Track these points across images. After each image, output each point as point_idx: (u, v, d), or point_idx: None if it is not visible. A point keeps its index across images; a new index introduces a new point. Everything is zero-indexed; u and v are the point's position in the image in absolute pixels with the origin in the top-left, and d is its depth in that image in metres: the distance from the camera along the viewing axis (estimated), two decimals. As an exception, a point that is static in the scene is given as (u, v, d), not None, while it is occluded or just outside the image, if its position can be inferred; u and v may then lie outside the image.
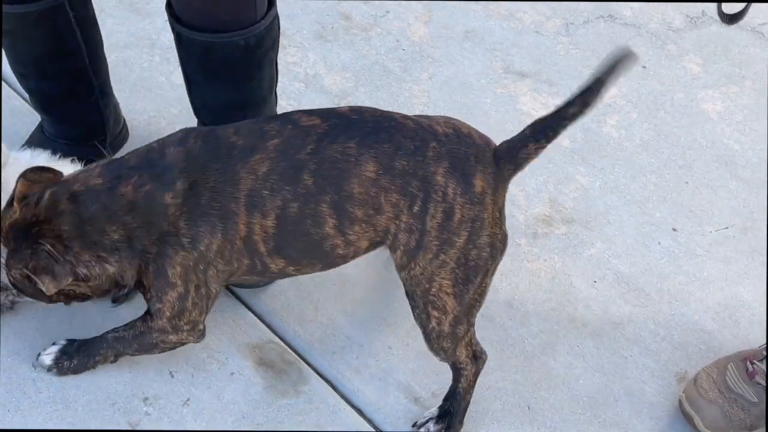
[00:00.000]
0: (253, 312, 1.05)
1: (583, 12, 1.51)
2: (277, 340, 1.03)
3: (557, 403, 1.01)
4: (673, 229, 1.22)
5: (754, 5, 0.92)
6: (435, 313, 0.79)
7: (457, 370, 0.88)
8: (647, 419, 1.01)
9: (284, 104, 1.22)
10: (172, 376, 0.96)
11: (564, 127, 0.74)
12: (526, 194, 1.23)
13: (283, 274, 0.88)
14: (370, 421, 0.98)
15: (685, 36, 1.51)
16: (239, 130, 0.77)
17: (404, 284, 0.82)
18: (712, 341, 1.09)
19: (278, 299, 1.06)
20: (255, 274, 0.85)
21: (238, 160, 0.75)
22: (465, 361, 0.86)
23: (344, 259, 0.83)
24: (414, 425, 0.92)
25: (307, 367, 1.01)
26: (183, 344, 0.88)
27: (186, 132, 0.80)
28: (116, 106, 1.14)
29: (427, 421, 0.91)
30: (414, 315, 0.83)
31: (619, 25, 1.50)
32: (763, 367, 0.91)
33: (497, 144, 0.78)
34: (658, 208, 1.25)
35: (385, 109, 0.83)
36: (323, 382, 1.00)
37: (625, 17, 1.52)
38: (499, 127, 1.28)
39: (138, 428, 0.91)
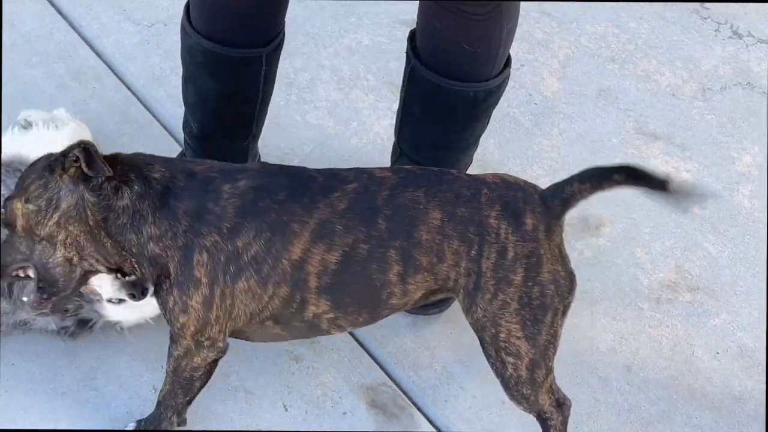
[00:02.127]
0: (370, 354, 1.08)
1: (721, 77, 1.50)
2: (391, 383, 1.05)
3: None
4: (802, 305, 1.20)
5: None
6: (510, 359, 0.78)
7: (543, 420, 0.87)
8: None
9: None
10: (286, 410, 0.98)
11: (609, 183, 0.75)
12: (651, 258, 1.24)
13: (307, 325, 0.80)
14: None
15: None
16: (319, 172, 0.79)
17: (475, 331, 0.81)
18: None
19: (395, 343, 1.09)
20: (283, 313, 0.77)
21: (318, 192, 0.75)
22: (549, 410, 0.85)
23: (391, 311, 0.82)
24: None
25: (418, 413, 1.02)
26: (210, 367, 0.83)
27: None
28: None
29: None
30: (490, 365, 0.82)
31: (757, 94, 1.48)
32: None
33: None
34: (787, 282, 1.23)
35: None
36: (434, 430, 1.02)
37: (763, 86, 1.49)
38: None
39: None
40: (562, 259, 0.79)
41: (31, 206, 0.71)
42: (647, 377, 1.11)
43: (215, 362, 0.83)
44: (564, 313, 0.81)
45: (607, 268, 1.22)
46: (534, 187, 0.81)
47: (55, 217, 0.71)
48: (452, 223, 0.75)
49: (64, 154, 0.70)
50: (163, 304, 0.78)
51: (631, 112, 1.44)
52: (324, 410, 1.00)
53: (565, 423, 0.88)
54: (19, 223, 0.72)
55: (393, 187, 0.76)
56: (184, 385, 0.83)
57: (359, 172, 0.79)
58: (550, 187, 0.80)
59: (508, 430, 1.02)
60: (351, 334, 1.07)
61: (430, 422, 1.03)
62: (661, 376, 1.11)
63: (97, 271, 0.77)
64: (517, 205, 0.77)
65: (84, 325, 0.96)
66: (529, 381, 0.81)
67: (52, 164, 0.71)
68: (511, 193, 0.78)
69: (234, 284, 0.74)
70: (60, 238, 0.72)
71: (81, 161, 0.68)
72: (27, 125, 1.04)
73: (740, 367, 1.14)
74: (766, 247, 1.27)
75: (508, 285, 0.76)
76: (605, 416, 0.97)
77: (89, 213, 0.72)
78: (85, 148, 0.68)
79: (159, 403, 0.87)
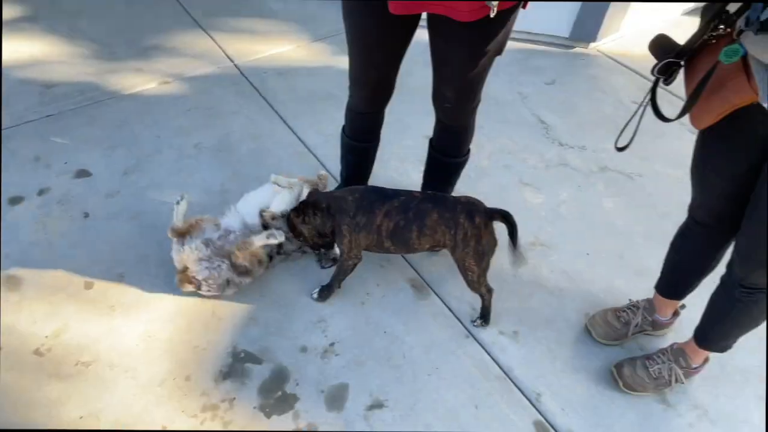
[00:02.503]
0: (412, 266, 1.90)
1: None
2: (420, 279, 1.94)
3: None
4: None
5: None
6: (469, 273, 1.65)
7: (482, 297, 1.74)
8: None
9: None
10: (377, 286, 1.88)
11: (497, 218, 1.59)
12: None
13: (383, 250, 1.68)
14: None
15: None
16: (389, 189, 1.66)
17: (455, 262, 1.65)
18: None
19: (424, 262, 1.98)
20: (373, 246, 1.67)
21: (387, 198, 1.63)
22: (484, 292, 1.71)
23: (416, 251, 1.69)
24: (472, 321, 1.79)
25: (434, 294, 1.89)
26: (354, 265, 1.75)
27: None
28: None
29: (476, 320, 1.78)
30: (462, 276, 1.67)
31: None
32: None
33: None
34: None
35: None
36: (441, 302, 1.88)
37: None
38: None
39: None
40: (491, 235, 1.60)
41: (303, 223, 1.73)
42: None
43: (356, 265, 1.76)
44: (490, 257, 1.64)
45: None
46: (481, 203, 1.61)
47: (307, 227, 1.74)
48: (442, 219, 1.58)
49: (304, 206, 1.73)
50: (338, 245, 1.73)
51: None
52: (391, 288, 1.90)
53: (490, 297, 1.74)
54: (299, 229, 1.75)
55: (418, 200, 1.61)
56: (343, 272, 1.78)
57: (407, 192, 1.64)
58: (488, 208, 1.61)
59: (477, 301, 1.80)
60: (403, 257, 1.99)
61: (437, 295, 1.89)
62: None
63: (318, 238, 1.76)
64: (473, 212, 1.57)
65: (331, 260, 1.93)
66: (477, 282, 1.68)
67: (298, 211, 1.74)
68: (471, 206, 1.59)
69: (358, 235, 1.66)
70: (308, 234, 1.75)
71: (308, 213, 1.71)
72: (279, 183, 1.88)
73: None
74: None
75: (467, 245, 1.60)
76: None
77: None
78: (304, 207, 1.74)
79: (332, 278, 1.81)
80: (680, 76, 1.20)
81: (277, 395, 1.57)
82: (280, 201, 1.86)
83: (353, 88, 1.74)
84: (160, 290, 1.80)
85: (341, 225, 1.64)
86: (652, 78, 1.18)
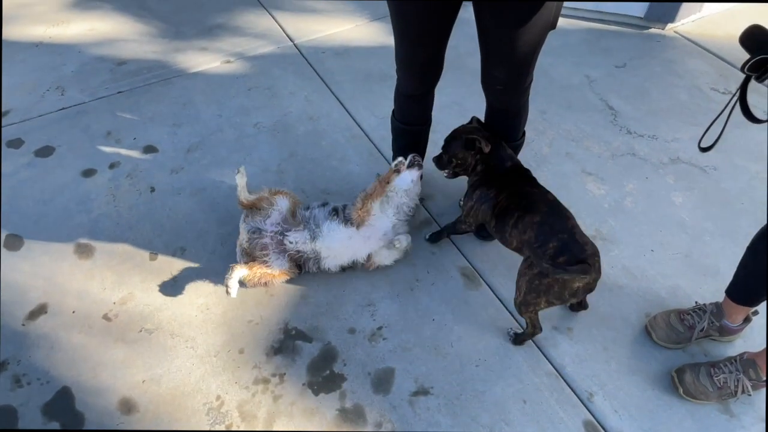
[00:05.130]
0: (462, 254, 1.87)
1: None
2: (471, 267, 1.91)
3: None
4: None
5: None
6: (515, 292, 1.57)
7: (526, 323, 1.62)
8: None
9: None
10: (423, 275, 1.83)
11: None
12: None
13: (485, 224, 1.71)
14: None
15: None
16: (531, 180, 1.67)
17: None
18: None
19: (477, 250, 1.91)
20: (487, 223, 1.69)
21: (521, 181, 1.67)
22: (527, 321, 1.60)
23: (504, 240, 1.63)
24: (507, 331, 1.71)
25: (484, 283, 1.86)
26: (468, 228, 1.80)
27: None
28: None
29: (510, 330, 1.70)
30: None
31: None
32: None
33: None
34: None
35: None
36: (488, 287, 1.83)
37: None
38: None
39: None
40: (562, 288, 1.48)
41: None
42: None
43: (466, 231, 1.84)
44: (545, 300, 1.51)
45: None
46: (592, 255, 1.45)
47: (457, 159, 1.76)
48: (539, 227, 1.51)
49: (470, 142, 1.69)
50: (463, 202, 1.79)
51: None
52: (441, 276, 1.88)
53: (532, 335, 1.66)
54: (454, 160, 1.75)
55: (539, 199, 1.60)
56: (454, 229, 1.85)
57: (542, 190, 1.64)
58: (590, 263, 1.45)
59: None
60: (454, 244, 1.95)
61: (488, 285, 1.80)
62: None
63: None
64: (566, 251, 1.45)
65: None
66: (517, 306, 1.58)
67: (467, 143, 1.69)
68: (573, 245, 1.46)
69: (481, 206, 1.68)
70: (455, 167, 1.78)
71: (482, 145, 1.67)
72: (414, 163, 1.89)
73: None
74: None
75: (531, 268, 1.52)
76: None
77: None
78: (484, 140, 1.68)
79: (444, 226, 1.91)
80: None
81: (325, 374, 1.60)
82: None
83: (401, 70, 1.71)
84: (217, 265, 1.86)
85: (475, 188, 1.70)
86: (737, 62, 1.07)
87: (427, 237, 1.94)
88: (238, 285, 1.65)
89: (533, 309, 1.53)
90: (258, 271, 1.70)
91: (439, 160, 1.80)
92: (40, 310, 1.74)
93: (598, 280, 1.45)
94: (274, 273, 1.73)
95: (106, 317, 1.73)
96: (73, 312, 1.74)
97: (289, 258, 1.75)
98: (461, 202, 1.86)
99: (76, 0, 3.35)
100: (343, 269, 1.82)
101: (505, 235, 1.60)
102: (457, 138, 1.71)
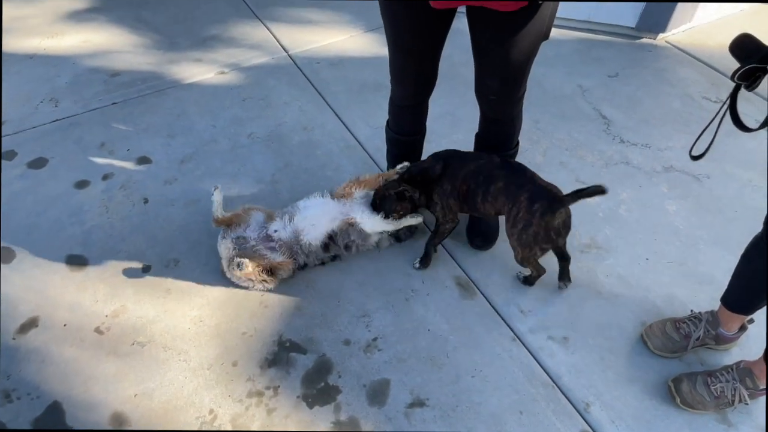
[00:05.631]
0: (456, 263, 1.90)
1: None
2: (466, 276, 1.89)
3: None
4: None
5: None
6: (514, 252, 1.71)
7: (527, 269, 1.78)
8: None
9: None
10: (423, 281, 1.76)
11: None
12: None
13: (462, 211, 1.78)
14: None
15: None
16: (472, 154, 1.75)
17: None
18: None
19: (472, 258, 1.89)
20: (462, 207, 1.75)
21: (466, 163, 1.71)
22: (531, 270, 1.77)
23: (482, 214, 1.75)
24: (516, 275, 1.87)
25: (480, 294, 1.84)
26: (450, 229, 1.83)
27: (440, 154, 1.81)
28: None
29: (519, 273, 1.86)
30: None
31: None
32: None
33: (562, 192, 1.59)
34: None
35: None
36: (485, 298, 1.78)
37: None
38: None
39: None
40: (545, 229, 1.59)
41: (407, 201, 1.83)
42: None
43: (453, 228, 1.84)
44: (538, 248, 1.67)
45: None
46: (556, 193, 1.59)
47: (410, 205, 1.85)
48: (507, 189, 1.62)
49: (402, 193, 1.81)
50: (433, 212, 1.82)
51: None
52: (436, 286, 1.87)
53: (536, 278, 1.83)
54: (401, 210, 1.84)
55: (493, 166, 1.68)
56: (440, 236, 1.84)
57: (487, 157, 1.72)
58: (558, 199, 1.58)
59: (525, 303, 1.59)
60: (449, 254, 1.97)
61: (483, 294, 1.81)
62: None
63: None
64: (536, 197, 1.57)
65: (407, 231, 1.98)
66: (520, 262, 1.73)
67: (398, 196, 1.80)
68: (539, 190, 1.59)
69: (448, 200, 1.75)
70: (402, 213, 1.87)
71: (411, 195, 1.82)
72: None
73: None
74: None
75: (515, 226, 1.63)
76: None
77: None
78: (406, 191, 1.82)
79: (427, 243, 1.88)
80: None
81: (320, 386, 1.58)
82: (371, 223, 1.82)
83: (395, 80, 1.72)
84: (211, 277, 1.85)
85: (432, 194, 1.78)
86: (728, 71, 1.08)
87: (417, 266, 1.88)
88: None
89: (533, 259, 1.70)
90: (260, 261, 1.73)
91: (385, 216, 1.80)
92: (31, 324, 1.72)
93: (571, 216, 1.60)
94: (277, 259, 1.76)
95: (98, 330, 1.71)
96: (65, 325, 1.72)
97: (281, 249, 1.78)
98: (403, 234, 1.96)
99: (71, 12, 3.36)
100: (327, 248, 1.82)
101: (481, 211, 1.72)
102: (386, 197, 1.79)
